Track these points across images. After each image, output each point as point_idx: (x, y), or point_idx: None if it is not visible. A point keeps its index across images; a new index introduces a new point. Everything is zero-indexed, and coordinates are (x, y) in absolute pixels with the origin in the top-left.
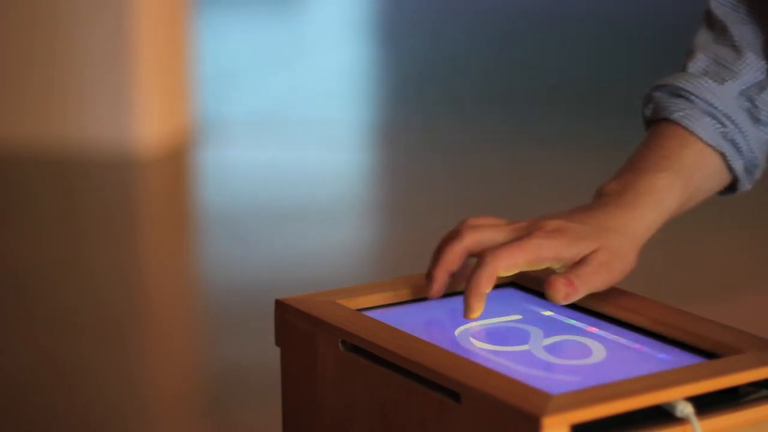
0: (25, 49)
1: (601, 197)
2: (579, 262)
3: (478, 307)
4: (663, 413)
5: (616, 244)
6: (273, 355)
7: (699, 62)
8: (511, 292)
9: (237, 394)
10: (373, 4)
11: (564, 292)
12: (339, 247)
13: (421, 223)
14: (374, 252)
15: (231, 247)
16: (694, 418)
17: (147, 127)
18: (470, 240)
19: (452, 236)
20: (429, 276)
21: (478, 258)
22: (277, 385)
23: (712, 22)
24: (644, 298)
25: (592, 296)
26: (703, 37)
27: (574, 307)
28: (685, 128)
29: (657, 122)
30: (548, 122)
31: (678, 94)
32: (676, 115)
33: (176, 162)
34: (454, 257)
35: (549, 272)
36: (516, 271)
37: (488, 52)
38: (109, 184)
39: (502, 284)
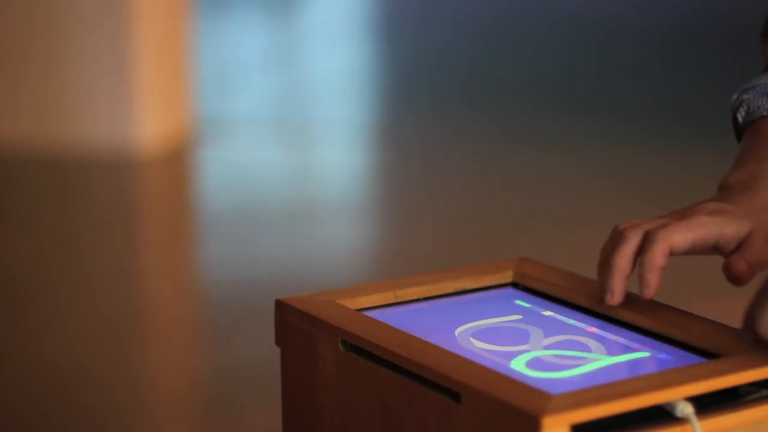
0: (24, 48)
1: (732, 187)
2: (745, 243)
3: (656, 283)
4: (663, 413)
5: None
6: (273, 355)
7: None
8: (511, 292)
9: (237, 394)
10: (372, 4)
11: (742, 268)
12: (339, 247)
13: (421, 223)
14: (374, 252)
15: (231, 247)
16: (694, 418)
17: (147, 127)
18: (637, 239)
19: (617, 241)
20: (608, 286)
21: (647, 237)
22: (277, 385)
23: None
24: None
25: (592, 296)
26: None
27: (574, 307)
28: None
29: (755, 122)
30: (548, 122)
31: None
32: None
33: (176, 162)
34: (627, 262)
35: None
36: (686, 248)
37: (489, 52)
38: (109, 184)
39: (502, 284)
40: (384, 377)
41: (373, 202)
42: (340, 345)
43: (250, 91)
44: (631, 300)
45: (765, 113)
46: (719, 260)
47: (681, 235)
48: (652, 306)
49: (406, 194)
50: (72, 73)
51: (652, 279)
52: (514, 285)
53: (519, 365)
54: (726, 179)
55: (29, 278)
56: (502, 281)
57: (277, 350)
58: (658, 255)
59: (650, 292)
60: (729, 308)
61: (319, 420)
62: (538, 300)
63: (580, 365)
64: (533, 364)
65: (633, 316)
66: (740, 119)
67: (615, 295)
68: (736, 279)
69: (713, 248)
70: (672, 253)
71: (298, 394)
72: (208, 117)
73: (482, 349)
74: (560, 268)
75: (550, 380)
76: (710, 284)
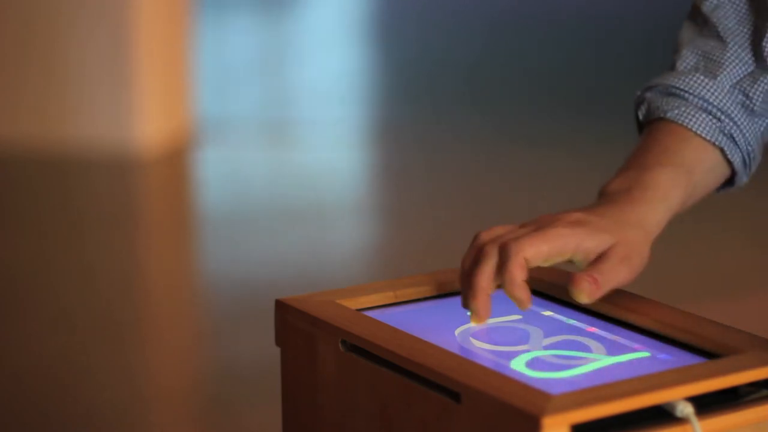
0: (24, 48)
1: (608, 195)
2: (599, 259)
3: (526, 297)
4: (663, 413)
5: (634, 237)
6: (273, 355)
7: (687, 59)
8: None
9: (237, 394)
10: (372, 4)
11: (589, 289)
12: (339, 247)
13: (420, 223)
14: (374, 252)
15: (231, 247)
16: (694, 418)
17: (147, 127)
18: (496, 256)
19: (478, 259)
20: (472, 308)
21: (501, 251)
22: (277, 385)
23: (695, 15)
24: (644, 298)
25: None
26: (688, 32)
27: (574, 307)
28: (682, 125)
29: (652, 122)
30: (548, 122)
31: (670, 92)
32: (671, 114)
33: (176, 162)
34: (488, 281)
35: (553, 271)
36: (540, 261)
37: (489, 52)
38: (109, 184)
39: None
40: (384, 377)
41: (373, 202)
42: (340, 345)
43: (249, 91)
44: (630, 300)
45: (662, 115)
46: (719, 260)
47: (534, 248)
48: (652, 306)
49: (406, 194)
50: (72, 73)
51: (520, 293)
52: None
53: (519, 365)
54: (606, 186)
55: (29, 278)
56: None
57: (277, 350)
58: (515, 271)
59: (525, 305)
60: (729, 308)
61: (319, 420)
62: (538, 300)
63: (580, 365)
64: (533, 364)
65: (633, 316)
66: (640, 117)
67: (481, 317)
68: (576, 295)
69: (570, 261)
70: (528, 266)
71: (298, 394)
72: (207, 117)
73: (482, 349)
74: (560, 269)
75: (550, 380)
76: (710, 285)
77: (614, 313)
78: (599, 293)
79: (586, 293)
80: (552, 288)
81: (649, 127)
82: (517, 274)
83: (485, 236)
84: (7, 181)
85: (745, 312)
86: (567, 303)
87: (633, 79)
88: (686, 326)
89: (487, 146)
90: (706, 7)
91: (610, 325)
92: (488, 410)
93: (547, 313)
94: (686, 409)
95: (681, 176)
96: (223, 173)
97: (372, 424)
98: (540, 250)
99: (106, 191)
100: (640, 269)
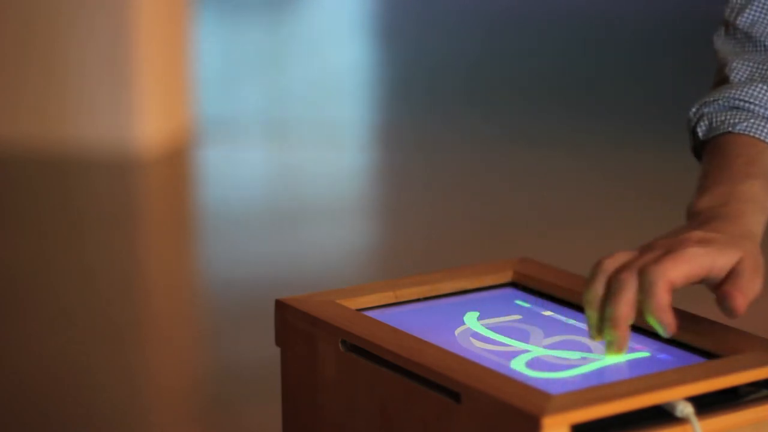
0: (24, 49)
1: (705, 212)
2: (733, 273)
3: (672, 321)
4: (663, 413)
5: (753, 249)
6: (273, 355)
7: (740, 71)
8: (511, 292)
9: (237, 394)
10: (372, 4)
11: (742, 306)
12: (339, 247)
13: (420, 223)
14: (374, 252)
15: (231, 247)
16: (694, 418)
17: (147, 127)
18: (635, 283)
19: (614, 287)
20: (613, 339)
21: (644, 277)
22: (278, 385)
23: (732, 32)
24: None
25: None
26: (729, 47)
27: (574, 307)
28: (755, 137)
29: (717, 138)
30: (548, 122)
31: (734, 105)
32: (740, 127)
33: (176, 162)
34: (630, 310)
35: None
36: (684, 282)
37: (489, 52)
38: (109, 184)
39: (502, 284)
40: (384, 377)
41: (373, 202)
42: (340, 345)
43: (250, 91)
44: None
45: (729, 129)
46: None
47: (677, 271)
48: None
49: (406, 194)
50: (72, 73)
51: (668, 319)
52: (514, 285)
53: (519, 365)
54: (696, 205)
55: (29, 278)
56: (502, 281)
57: (277, 350)
58: (663, 296)
59: (672, 329)
60: None
61: (319, 420)
62: (538, 300)
63: (580, 365)
64: (533, 364)
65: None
66: (700, 134)
67: (621, 348)
68: (734, 311)
69: (703, 280)
70: (673, 288)
71: (298, 394)
72: (207, 117)
73: (482, 349)
74: (560, 268)
75: (550, 380)
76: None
77: None
78: (746, 306)
79: (741, 308)
80: (552, 288)
81: (713, 143)
82: (666, 300)
83: (612, 263)
84: (7, 181)
85: (746, 312)
86: (567, 303)
87: (635, 78)
88: (686, 326)
89: (487, 146)
90: (742, 24)
91: None
92: (488, 410)
93: (547, 313)
94: (686, 409)
95: None
96: (223, 173)
97: (372, 424)
98: (682, 272)
99: (106, 191)
100: (765, 277)
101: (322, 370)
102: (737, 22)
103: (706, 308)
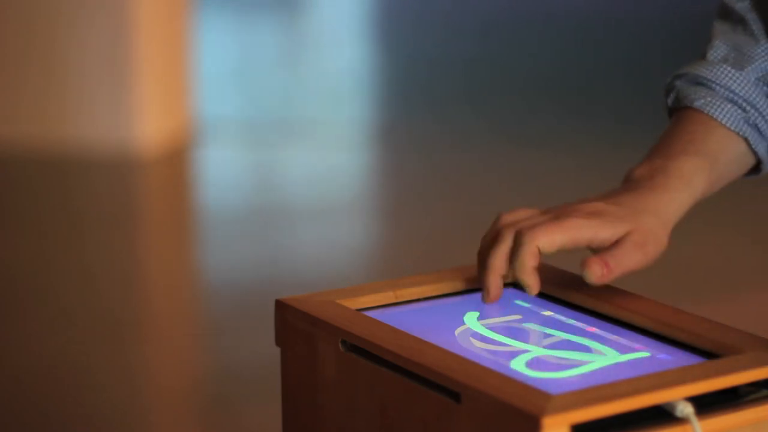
0: (24, 49)
1: (631, 182)
2: (614, 244)
3: (535, 283)
4: (663, 413)
5: (650, 225)
6: (273, 355)
7: (718, 50)
8: (511, 292)
9: (237, 394)
10: (373, 4)
11: (599, 272)
12: (339, 247)
13: (420, 223)
14: (374, 252)
15: (231, 247)
16: (694, 418)
17: (147, 127)
18: (511, 239)
19: (495, 239)
20: (484, 284)
21: (516, 238)
22: (277, 385)
23: (728, 14)
24: (644, 298)
25: (592, 296)
26: (720, 27)
27: (574, 307)
28: (708, 115)
29: (679, 110)
30: (546, 122)
31: (699, 82)
32: (698, 103)
33: (176, 162)
34: (502, 262)
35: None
36: (554, 249)
37: (487, 52)
38: (109, 184)
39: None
40: (384, 377)
41: (372, 202)
42: (340, 345)
43: (250, 90)
44: (630, 300)
45: (689, 103)
46: (719, 260)
47: (548, 237)
48: (652, 306)
49: (405, 194)
50: (72, 73)
51: (529, 279)
52: (514, 285)
53: (519, 365)
54: (631, 171)
55: (29, 278)
56: (502, 281)
57: (277, 350)
58: (527, 258)
59: (533, 290)
60: (729, 308)
61: (319, 420)
62: (538, 300)
63: (580, 365)
64: (533, 364)
65: (633, 316)
66: (669, 103)
67: (491, 294)
68: (588, 278)
69: (588, 248)
70: (541, 253)
71: (298, 394)
72: (208, 117)
73: (482, 349)
74: (560, 268)
75: (550, 380)
76: (710, 285)
77: (614, 313)
78: (610, 276)
79: (596, 276)
80: (552, 288)
81: (676, 114)
82: (528, 261)
83: (505, 219)
84: (7, 181)
85: (745, 312)
86: (567, 303)
87: (632, 78)
88: (686, 326)
89: (486, 145)
90: (740, 8)
91: (610, 325)
92: (488, 410)
93: (547, 313)
94: (686, 409)
95: (705, 165)
96: (222, 173)
97: (372, 424)
98: (553, 240)
99: (106, 191)
100: (655, 256)
101: (322, 370)
102: (735, 5)
103: (707, 308)
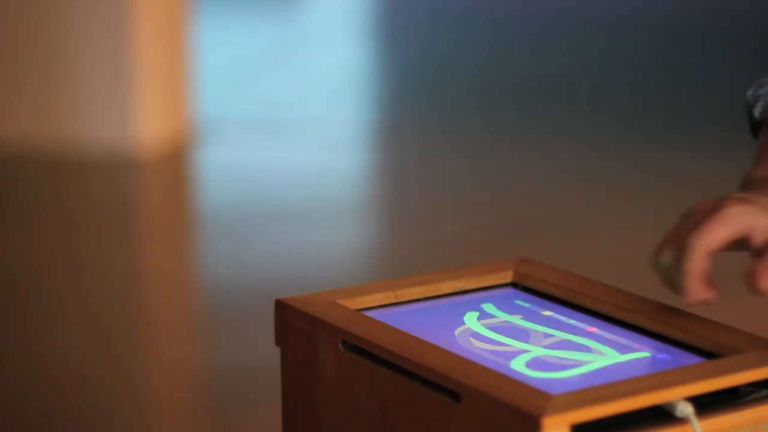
0: (23, 48)
1: (756, 182)
2: (765, 253)
3: (700, 290)
4: (663, 413)
5: None
6: (273, 355)
7: None
8: (511, 292)
9: (237, 395)
10: (373, 4)
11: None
12: (339, 247)
13: (421, 224)
14: (374, 252)
15: (231, 247)
16: (694, 418)
17: (147, 127)
18: (705, 242)
19: (687, 243)
20: (687, 287)
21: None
22: (277, 385)
23: None
24: (644, 298)
25: (592, 296)
26: None
27: (574, 307)
28: None
29: None
30: (548, 125)
31: None
32: None
33: (176, 162)
34: (704, 263)
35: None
36: (723, 245)
37: (490, 53)
38: (109, 184)
39: (502, 284)
40: (384, 377)
41: (373, 203)
42: (340, 345)
43: (250, 90)
44: (630, 300)
45: None
46: (719, 260)
47: (712, 235)
48: (653, 306)
49: (406, 194)
50: (72, 73)
51: (693, 285)
52: (514, 285)
53: (519, 365)
54: (749, 175)
55: (29, 278)
56: (502, 281)
57: (277, 350)
58: (698, 265)
59: (691, 299)
60: (729, 308)
61: (319, 420)
62: (538, 300)
63: (580, 365)
64: (533, 364)
65: (633, 316)
66: (757, 114)
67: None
68: (758, 292)
69: (744, 242)
70: (712, 253)
71: (298, 394)
72: (207, 117)
73: (482, 349)
74: (560, 268)
75: (550, 380)
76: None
77: (614, 313)
78: None
79: (764, 289)
80: (552, 288)
81: None
82: (699, 267)
83: (697, 214)
84: (7, 182)
85: (745, 312)
86: (567, 303)
87: (637, 81)
88: (686, 326)
89: (487, 147)
90: None
91: (610, 325)
92: (488, 410)
93: (547, 313)
94: (686, 409)
95: None
96: (223, 173)
97: (372, 424)
98: (719, 235)
99: (105, 191)
100: None
101: (322, 370)
102: None
103: (707, 308)
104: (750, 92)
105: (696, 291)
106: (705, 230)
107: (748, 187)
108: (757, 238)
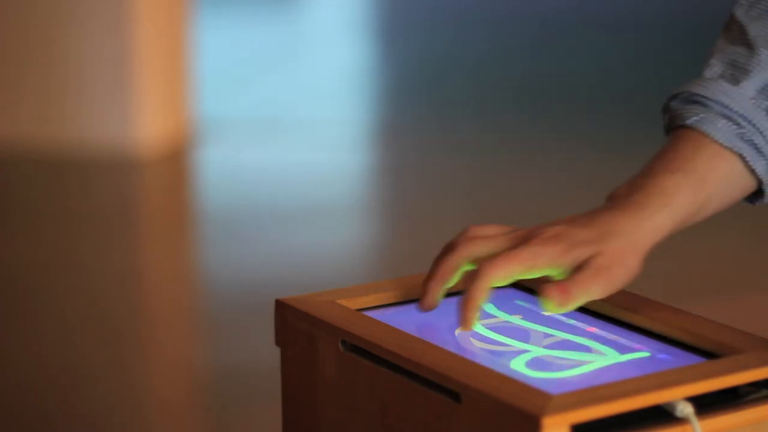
0: (24, 48)
1: (610, 201)
2: (577, 268)
3: (472, 319)
4: (663, 413)
5: (617, 247)
6: (273, 355)
7: (714, 67)
8: (511, 292)
9: (237, 395)
10: (373, 4)
11: (558, 300)
12: (339, 247)
13: (421, 224)
14: (374, 252)
15: (231, 247)
16: (694, 418)
17: (147, 127)
18: (465, 252)
19: (449, 248)
20: (423, 287)
21: (474, 269)
22: (277, 385)
23: (730, 25)
24: (644, 298)
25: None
26: (720, 41)
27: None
28: (700, 132)
29: (674, 130)
30: (548, 124)
31: (693, 100)
32: (690, 121)
33: (176, 162)
34: (447, 270)
35: (545, 278)
36: (511, 280)
37: (490, 53)
38: (109, 184)
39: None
40: (384, 377)
41: (373, 202)
42: (340, 345)
43: (250, 90)
44: (630, 300)
45: (682, 122)
46: (719, 260)
47: (505, 270)
48: (652, 306)
49: (406, 194)
50: (72, 73)
51: (470, 315)
52: (514, 285)
53: (519, 365)
54: (613, 192)
55: (29, 278)
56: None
57: (277, 350)
58: (478, 293)
59: (466, 327)
60: (729, 308)
61: (319, 420)
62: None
63: (580, 365)
64: (533, 364)
65: (633, 316)
66: (665, 124)
67: (426, 300)
68: (545, 306)
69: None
70: (496, 285)
71: (298, 394)
72: (207, 117)
73: (482, 349)
74: None
75: (550, 380)
76: (710, 285)
77: (614, 313)
78: (569, 303)
79: (554, 303)
80: None
81: (671, 134)
82: (478, 296)
83: (471, 232)
84: (7, 181)
85: (745, 312)
86: None
87: (638, 81)
88: (686, 326)
89: (487, 146)
90: (741, 15)
91: (610, 325)
92: (488, 410)
93: (548, 313)
94: (686, 409)
95: (690, 182)
96: (223, 173)
97: (372, 424)
98: (511, 272)
99: (105, 191)
100: (624, 279)
101: (322, 370)
102: (737, 13)
103: (707, 308)
104: (665, 102)
105: (469, 318)
106: (500, 265)
107: (606, 202)
108: (555, 275)
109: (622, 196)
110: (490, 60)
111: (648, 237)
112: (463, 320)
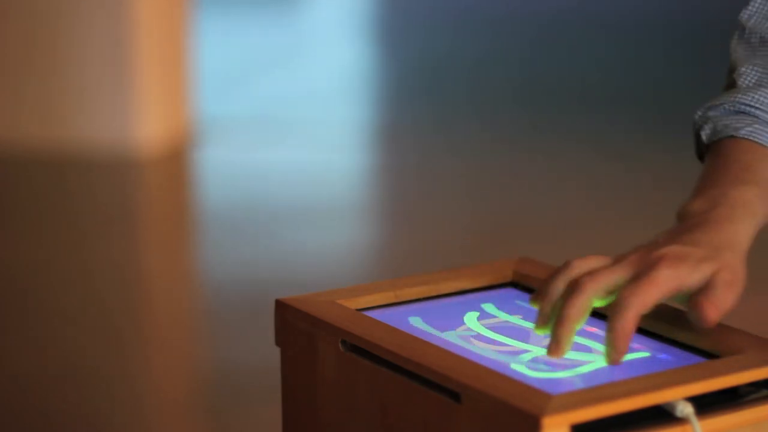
0: (24, 49)
1: (693, 216)
2: (706, 287)
3: (625, 351)
4: (663, 413)
5: (732, 261)
6: (273, 355)
7: (749, 75)
8: (511, 292)
9: (237, 395)
10: (372, 3)
11: (713, 317)
12: (339, 247)
13: (420, 224)
14: (374, 252)
15: (231, 246)
16: (694, 418)
17: (147, 127)
18: (592, 292)
19: (572, 289)
20: (554, 335)
21: (618, 299)
22: (277, 385)
23: (746, 35)
24: None
25: None
26: (741, 51)
27: None
28: (757, 143)
29: (720, 141)
30: (548, 124)
31: (739, 110)
32: (743, 131)
33: (176, 162)
34: (579, 313)
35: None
36: (651, 307)
37: (489, 53)
38: (109, 184)
39: (502, 284)
40: (384, 377)
41: (373, 202)
42: (340, 345)
43: (250, 90)
44: None
45: (732, 133)
46: None
47: (648, 298)
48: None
49: (406, 194)
50: (73, 73)
51: (623, 346)
52: (514, 285)
53: (519, 365)
54: (686, 207)
55: (29, 278)
56: (502, 281)
57: (277, 350)
58: (630, 325)
59: (618, 358)
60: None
61: (319, 420)
62: None
63: (580, 365)
64: (533, 364)
65: None
66: (704, 137)
67: (561, 347)
68: (704, 322)
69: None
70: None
71: (298, 394)
72: (208, 117)
73: (482, 349)
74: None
75: (550, 380)
76: None
77: None
78: (719, 319)
79: (708, 319)
80: None
81: (717, 146)
82: (630, 328)
83: (580, 265)
84: (8, 182)
85: (745, 312)
86: None
87: (638, 81)
88: (686, 326)
89: (487, 146)
90: (756, 25)
91: None
92: (488, 410)
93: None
94: (686, 409)
95: (764, 193)
96: (223, 173)
97: (372, 424)
98: (653, 299)
99: (106, 191)
100: (742, 290)
101: (322, 370)
102: (752, 24)
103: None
104: (699, 113)
105: (624, 350)
106: (643, 292)
107: (684, 220)
108: (686, 294)
109: (704, 210)
110: (490, 60)
111: (745, 247)
112: (618, 353)
